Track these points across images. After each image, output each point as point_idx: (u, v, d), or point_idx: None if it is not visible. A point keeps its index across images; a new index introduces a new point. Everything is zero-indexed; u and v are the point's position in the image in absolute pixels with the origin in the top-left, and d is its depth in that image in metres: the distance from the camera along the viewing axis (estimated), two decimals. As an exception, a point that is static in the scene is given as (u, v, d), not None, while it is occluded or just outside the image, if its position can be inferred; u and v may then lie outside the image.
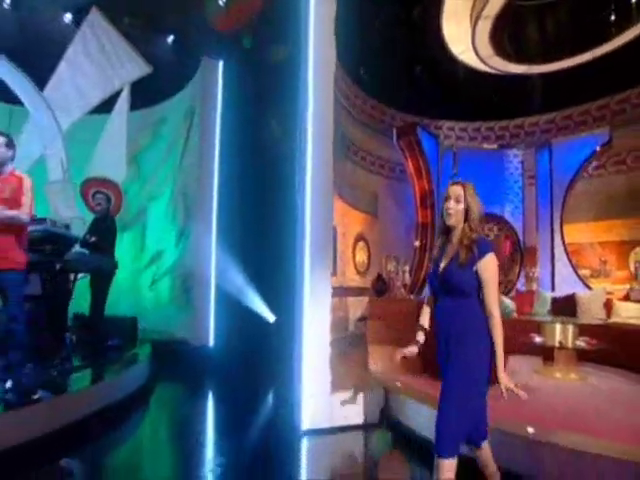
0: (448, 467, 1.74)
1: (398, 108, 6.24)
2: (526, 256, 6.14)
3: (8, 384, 2.94)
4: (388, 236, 6.00)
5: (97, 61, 5.21)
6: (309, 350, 3.06)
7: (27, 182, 3.10)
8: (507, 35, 5.37)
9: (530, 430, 2.37)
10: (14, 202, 2.99)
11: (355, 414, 3.13)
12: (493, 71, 5.67)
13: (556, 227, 6.08)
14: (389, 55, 5.31)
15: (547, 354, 3.84)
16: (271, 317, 5.56)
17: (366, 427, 3.11)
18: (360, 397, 3.17)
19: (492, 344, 1.85)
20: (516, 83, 5.83)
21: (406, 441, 2.89)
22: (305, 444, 2.93)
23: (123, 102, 5.56)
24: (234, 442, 2.97)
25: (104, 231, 4.07)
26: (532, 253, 6.13)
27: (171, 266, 5.96)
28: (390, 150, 6.27)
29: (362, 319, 4.62)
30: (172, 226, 6.01)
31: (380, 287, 4.85)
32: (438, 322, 1.93)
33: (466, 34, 5.14)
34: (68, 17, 5.55)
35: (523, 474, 2.26)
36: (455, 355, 1.85)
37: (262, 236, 4.95)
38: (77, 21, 5.41)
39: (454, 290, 1.90)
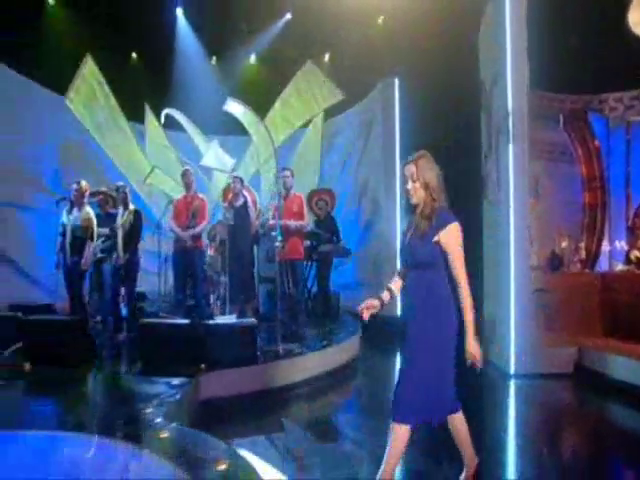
0: (398, 432, 1.77)
1: (560, 90, 6.35)
2: None
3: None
4: (552, 217, 6.44)
5: (303, 95, 6.74)
6: (518, 303, 4.00)
7: (304, 200, 4.63)
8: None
9: None
10: (300, 215, 4.53)
11: (555, 364, 4.02)
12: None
13: None
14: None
15: None
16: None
17: (564, 375, 3.90)
18: (555, 350, 4.05)
19: (460, 315, 1.84)
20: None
21: (602, 386, 3.68)
22: (513, 386, 3.89)
23: (318, 120, 7.08)
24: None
25: (330, 227, 5.57)
26: None
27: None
28: (549, 133, 6.58)
29: (537, 290, 5.32)
30: (356, 221, 7.36)
31: (555, 263, 5.49)
32: (403, 294, 1.97)
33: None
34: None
35: None
36: (417, 327, 1.85)
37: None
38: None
39: (416, 262, 1.88)
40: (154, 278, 6.31)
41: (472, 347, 1.80)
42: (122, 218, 4.68)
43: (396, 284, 2.01)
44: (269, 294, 5.22)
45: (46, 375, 3.19)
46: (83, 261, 4.56)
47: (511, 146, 4.23)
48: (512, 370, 4.02)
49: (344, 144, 7.80)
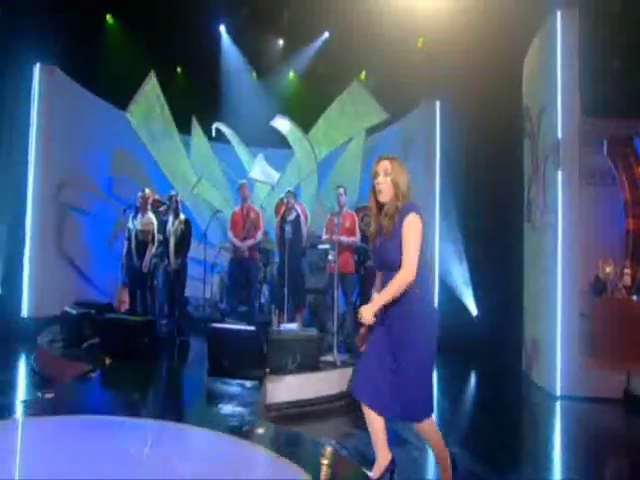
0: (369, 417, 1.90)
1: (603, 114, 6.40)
2: None
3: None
4: (594, 242, 6.46)
5: (347, 114, 7.02)
6: (565, 326, 4.12)
7: (356, 217, 4.85)
8: None
9: None
10: (352, 232, 4.75)
11: (603, 388, 4.06)
12: None
13: None
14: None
15: None
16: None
17: (612, 400, 3.89)
18: (602, 374, 4.13)
19: (431, 320, 1.86)
20: None
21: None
22: (560, 407, 3.92)
23: (359, 137, 7.34)
24: (499, 400, 4.07)
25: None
26: None
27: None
28: (590, 156, 6.63)
29: (582, 315, 5.36)
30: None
31: (599, 288, 5.54)
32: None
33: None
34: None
35: None
36: (392, 327, 1.88)
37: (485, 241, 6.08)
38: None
39: (385, 264, 1.89)
40: (197, 284, 6.60)
41: (365, 310, 1.83)
42: (173, 226, 4.98)
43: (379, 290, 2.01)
44: (312, 305, 5.43)
45: (126, 370, 3.45)
46: (144, 263, 4.87)
47: (560, 172, 4.40)
48: (558, 392, 4.10)
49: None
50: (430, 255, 6.64)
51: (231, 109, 8.21)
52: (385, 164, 1.95)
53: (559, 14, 4.38)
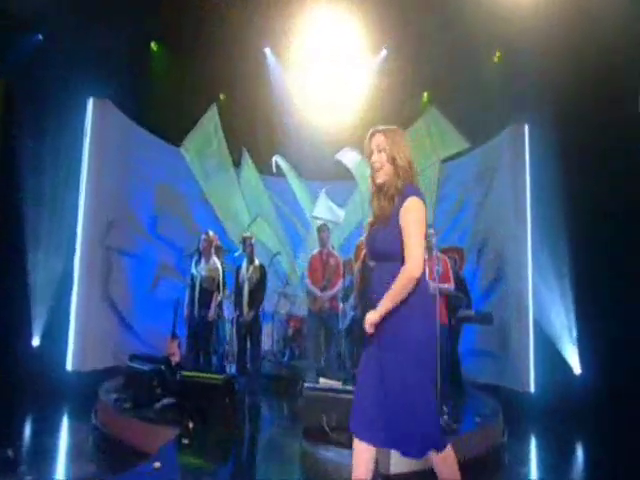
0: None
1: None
2: None
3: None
4: None
5: (421, 143, 7.43)
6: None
7: (448, 262, 5.11)
8: None
9: None
10: (446, 277, 5.00)
11: None
12: None
13: None
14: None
15: None
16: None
17: None
18: None
19: (423, 310, 1.84)
20: None
21: None
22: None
23: (433, 168, 7.69)
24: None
25: (462, 289, 5.95)
26: None
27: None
28: None
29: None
30: (474, 280, 7.67)
31: None
32: (367, 292, 2.04)
33: None
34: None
35: None
36: (382, 333, 1.86)
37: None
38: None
39: (378, 253, 1.88)
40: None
41: (372, 315, 1.82)
42: (247, 273, 5.34)
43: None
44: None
45: (211, 435, 3.73)
46: (210, 313, 5.23)
47: None
48: None
49: (456, 193, 8.28)
50: (524, 292, 6.67)
51: (281, 138, 8.73)
52: (378, 138, 1.95)
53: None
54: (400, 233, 1.82)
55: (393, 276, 1.81)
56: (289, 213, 8.56)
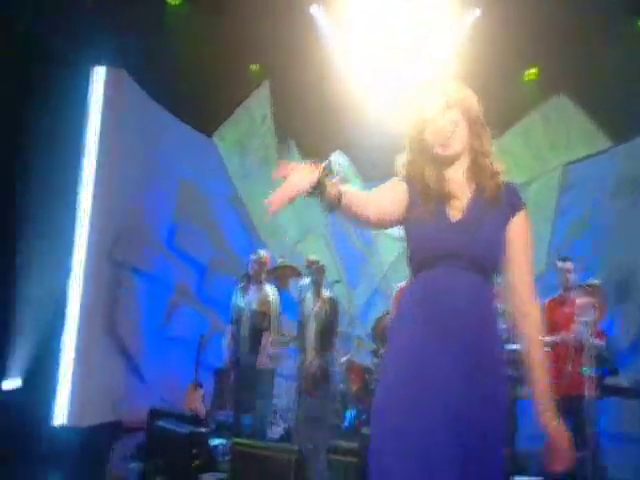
0: None
1: None
2: None
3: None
4: None
5: (534, 138, 6.82)
6: None
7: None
8: None
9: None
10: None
11: None
12: None
13: None
14: None
15: None
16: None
17: None
18: None
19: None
20: None
21: None
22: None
23: (554, 174, 7.04)
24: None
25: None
26: None
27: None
28: None
29: None
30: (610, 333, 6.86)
31: None
32: (423, 309, 1.63)
33: None
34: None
35: None
36: (454, 375, 1.58)
37: None
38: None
39: (473, 258, 1.60)
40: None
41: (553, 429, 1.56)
42: (314, 307, 4.80)
43: (360, 196, 1.64)
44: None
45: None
46: (259, 360, 4.68)
47: None
48: None
49: (581, 205, 7.49)
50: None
51: (337, 131, 8.15)
52: (449, 90, 1.68)
53: None
54: (501, 242, 1.63)
55: (485, 292, 1.62)
56: (347, 229, 7.93)
